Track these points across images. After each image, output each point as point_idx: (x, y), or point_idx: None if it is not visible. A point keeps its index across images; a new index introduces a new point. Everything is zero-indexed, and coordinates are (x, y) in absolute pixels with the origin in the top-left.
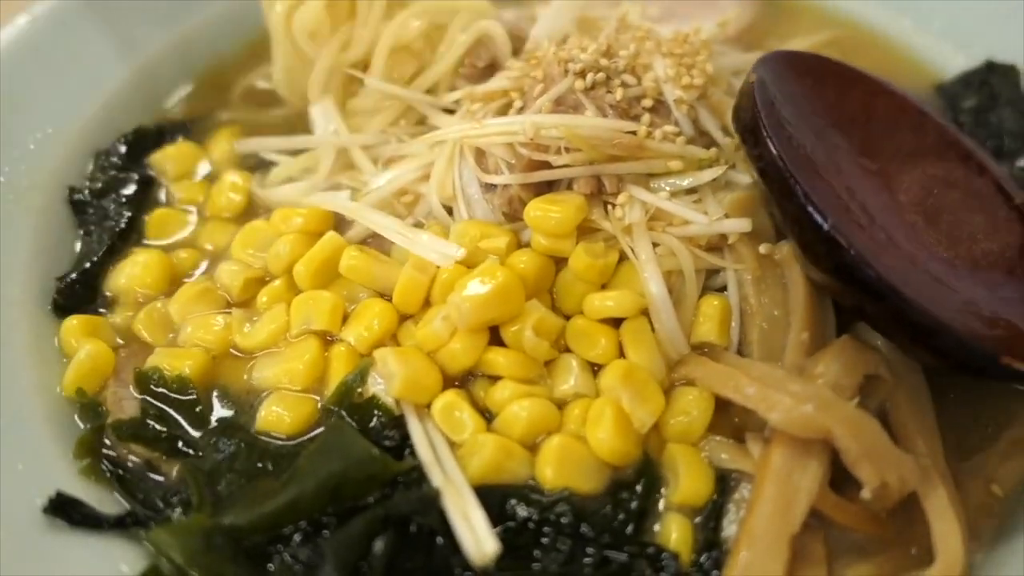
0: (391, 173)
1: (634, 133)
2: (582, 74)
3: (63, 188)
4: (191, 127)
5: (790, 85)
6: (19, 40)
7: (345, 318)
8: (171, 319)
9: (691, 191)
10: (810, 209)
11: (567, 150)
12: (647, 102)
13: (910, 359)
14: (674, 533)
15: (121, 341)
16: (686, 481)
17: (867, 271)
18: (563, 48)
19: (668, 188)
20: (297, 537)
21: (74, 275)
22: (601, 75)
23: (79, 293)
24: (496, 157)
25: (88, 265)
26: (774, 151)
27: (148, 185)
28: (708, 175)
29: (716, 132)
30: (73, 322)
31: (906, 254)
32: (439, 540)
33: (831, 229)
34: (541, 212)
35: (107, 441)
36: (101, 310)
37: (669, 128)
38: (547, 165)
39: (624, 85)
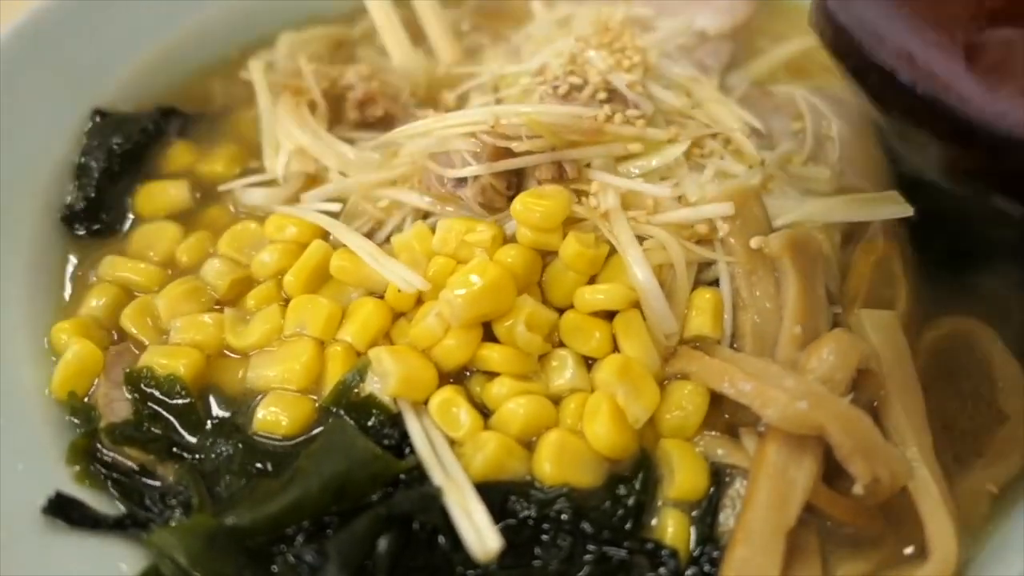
0: (357, 178)
1: (593, 118)
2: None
3: (63, 192)
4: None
5: None
6: (20, 39)
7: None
8: (159, 315)
9: (669, 179)
10: (872, 57)
11: (529, 137)
12: (601, 95)
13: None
14: (670, 528)
15: (114, 335)
16: (681, 476)
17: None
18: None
19: (638, 171)
20: (300, 537)
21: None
22: (546, 87)
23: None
24: (460, 153)
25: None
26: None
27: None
28: (673, 152)
29: (675, 101)
30: (64, 326)
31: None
32: (441, 539)
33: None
34: (526, 206)
35: (100, 446)
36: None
37: (632, 112)
38: (512, 152)
39: (573, 87)
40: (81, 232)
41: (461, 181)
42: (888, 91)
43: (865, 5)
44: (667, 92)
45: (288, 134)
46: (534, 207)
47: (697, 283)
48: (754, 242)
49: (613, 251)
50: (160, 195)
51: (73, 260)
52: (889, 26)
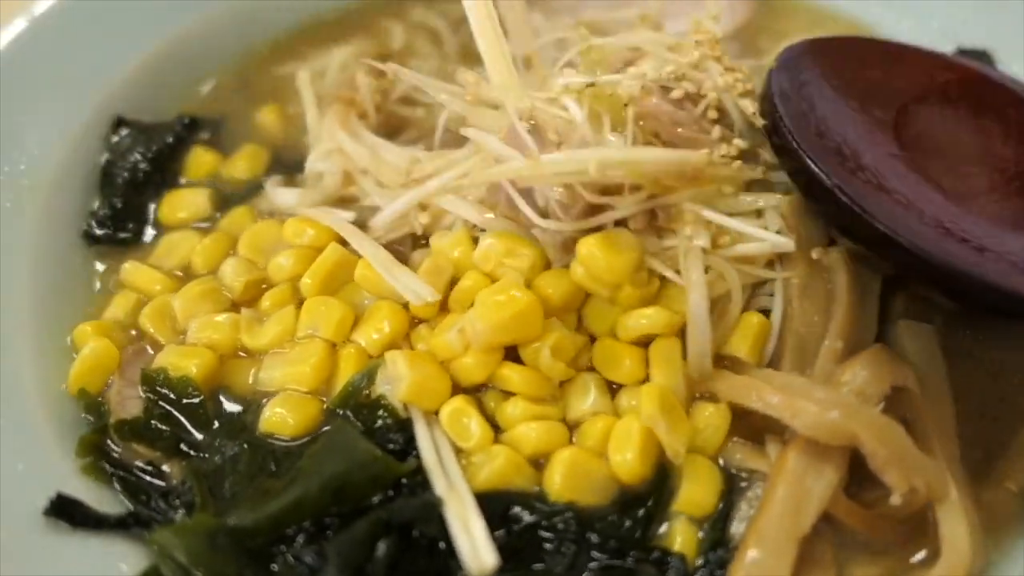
0: (416, 192)
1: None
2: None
3: (64, 190)
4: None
5: (806, 72)
6: (20, 39)
7: (355, 320)
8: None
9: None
10: (814, 169)
11: (629, 189)
12: (712, 113)
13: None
14: (679, 536)
15: (133, 333)
16: (694, 491)
17: (878, 227)
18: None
19: (724, 210)
20: (300, 538)
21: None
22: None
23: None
24: (546, 196)
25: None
26: (790, 137)
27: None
28: (772, 199)
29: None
30: (86, 328)
31: (916, 207)
32: (441, 544)
33: (835, 188)
34: (592, 254)
35: (110, 442)
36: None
37: (737, 141)
38: (606, 205)
39: (688, 96)
40: (104, 240)
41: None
42: (817, 192)
43: (814, 90)
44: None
45: (331, 137)
46: (600, 259)
47: (751, 297)
48: (815, 252)
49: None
50: (182, 204)
51: (98, 266)
52: (832, 117)
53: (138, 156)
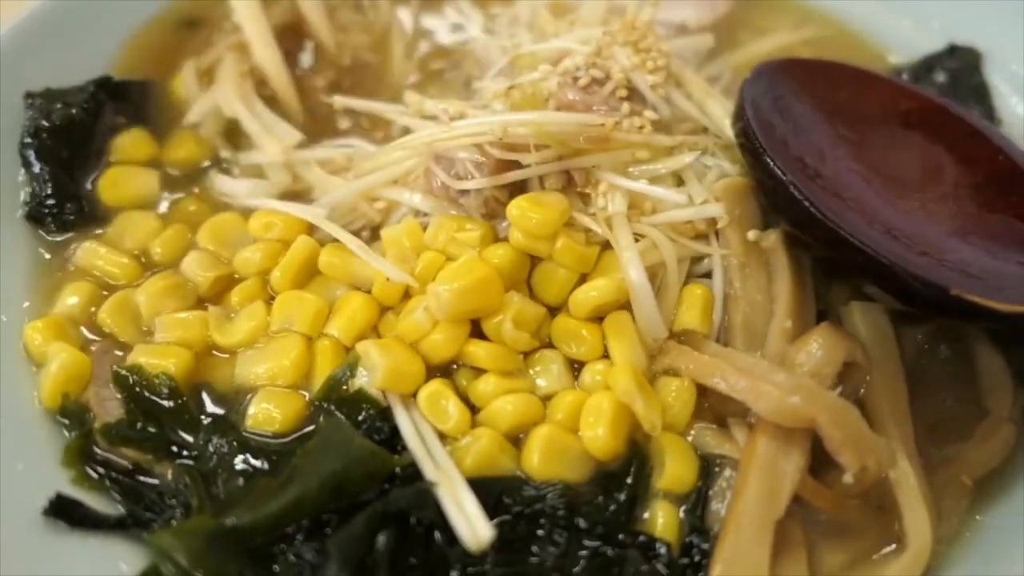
0: (360, 181)
1: (602, 125)
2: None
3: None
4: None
5: (779, 86)
6: (20, 38)
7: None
8: (139, 312)
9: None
10: (772, 166)
11: (536, 148)
12: (621, 92)
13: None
14: (661, 519)
15: (91, 336)
16: (673, 468)
17: (824, 221)
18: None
19: (646, 177)
20: (300, 536)
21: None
22: (565, 77)
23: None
24: (464, 161)
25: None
26: (756, 141)
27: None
28: (681, 161)
29: (694, 112)
30: (37, 325)
31: (867, 213)
32: (437, 535)
33: (789, 183)
34: (522, 211)
35: (96, 448)
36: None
37: (648, 113)
38: (517, 164)
39: (594, 81)
40: (48, 224)
41: (464, 190)
42: (776, 191)
43: (784, 103)
44: (688, 102)
45: (227, 102)
46: (531, 214)
47: (691, 275)
48: (751, 234)
49: (604, 248)
50: (126, 182)
51: (45, 254)
52: (799, 130)
53: (54, 124)
